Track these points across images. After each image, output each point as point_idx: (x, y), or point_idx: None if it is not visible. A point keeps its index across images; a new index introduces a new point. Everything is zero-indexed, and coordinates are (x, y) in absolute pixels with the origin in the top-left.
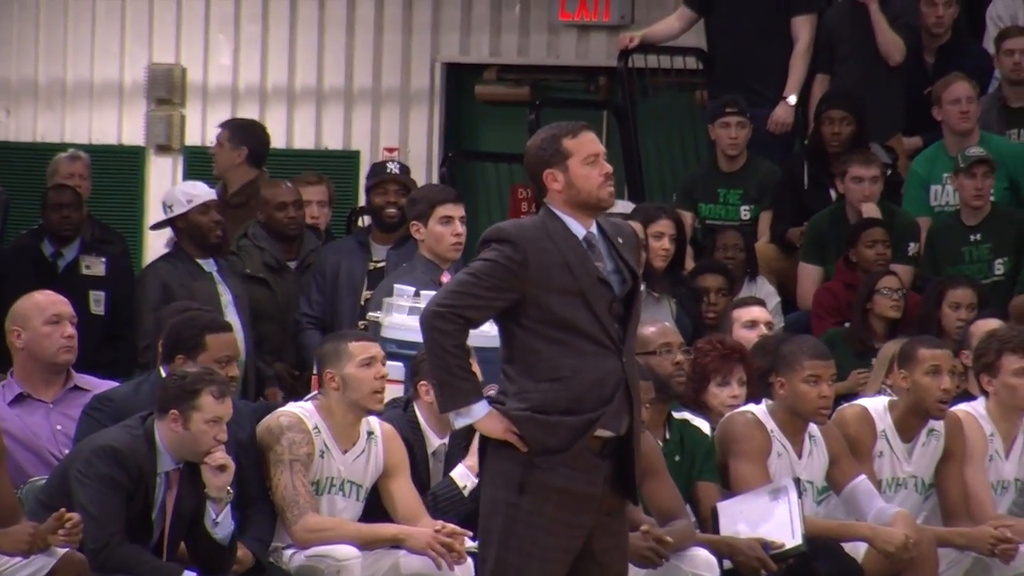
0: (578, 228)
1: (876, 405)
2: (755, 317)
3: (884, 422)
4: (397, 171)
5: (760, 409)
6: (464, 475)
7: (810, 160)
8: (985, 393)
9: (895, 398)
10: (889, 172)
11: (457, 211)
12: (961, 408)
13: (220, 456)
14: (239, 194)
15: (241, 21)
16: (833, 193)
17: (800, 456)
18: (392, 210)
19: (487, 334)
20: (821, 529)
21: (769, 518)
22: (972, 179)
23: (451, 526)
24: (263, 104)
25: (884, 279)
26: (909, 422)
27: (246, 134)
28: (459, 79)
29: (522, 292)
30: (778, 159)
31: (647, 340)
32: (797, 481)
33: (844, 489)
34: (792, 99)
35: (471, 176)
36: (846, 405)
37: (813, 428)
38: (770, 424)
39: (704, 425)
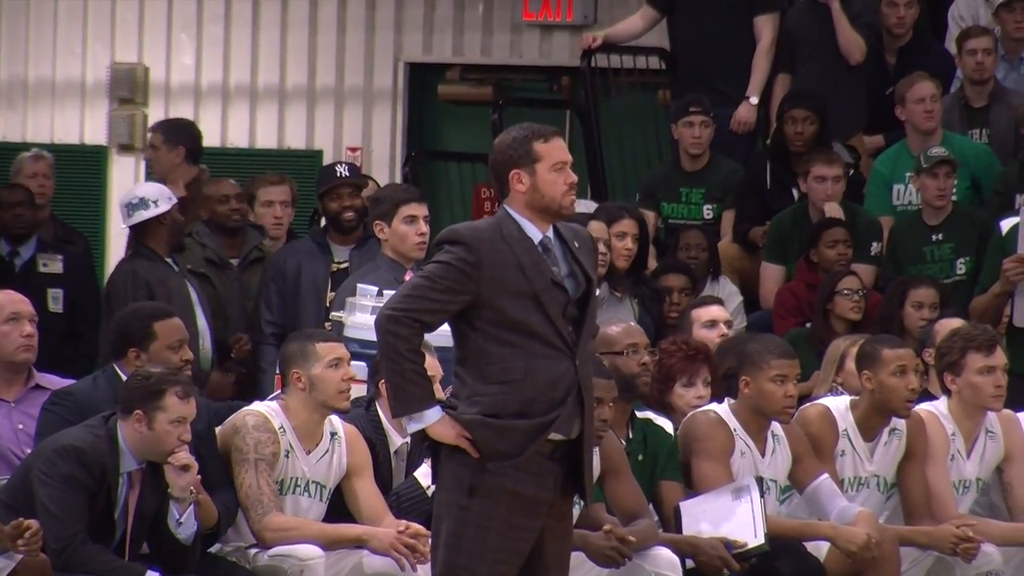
0: (534, 231)
1: (838, 404)
2: (714, 317)
3: (846, 421)
4: (347, 173)
5: (723, 408)
6: (427, 474)
7: (772, 160)
8: (947, 392)
9: (856, 397)
10: (851, 172)
11: (421, 210)
12: (923, 408)
13: (183, 456)
14: (186, 192)
15: (203, 20)
16: (796, 193)
17: (763, 455)
18: (349, 214)
19: (449, 334)
20: (783, 529)
21: (731, 517)
22: (935, 179)
23: (415, 526)
24: (225, 103)
25: (844, 280)
26: (871, 421)
27: (180, 133)
28: (422, 78)
29: (476, 294)
30: (741, 158)
31: (613, 340)
32: (759, 480)
33: (807, 488)
34: (754, 99)
35: (434, 176)
36: (808, 404)
37: (776, 427)
38: (733, 423)
39: (667, 425)
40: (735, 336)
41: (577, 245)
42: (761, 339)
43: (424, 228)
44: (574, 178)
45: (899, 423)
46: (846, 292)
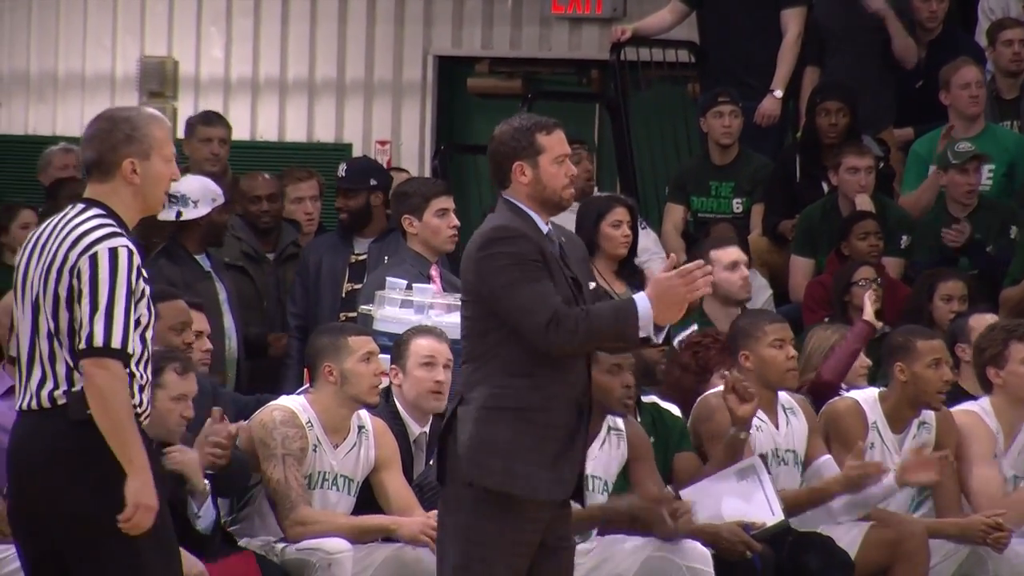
0: (542, 225)
1: (867, 397)
2: (735, 258)
3: (875, 413)
4: (342, 174)
5: None
6: None
7: (802, 153)
8: (989, 386)
9: (884, 389)
10: (881, 165)
11: (451, 203)
12: (965, 408)
13: (175, 458)
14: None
15: (233, 14)
16: (825, 186)
17: (778, 427)
18: (342, 215)
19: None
20: (796, 500)
21: (743, 499)
22: (964, 175)
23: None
24: (255, 97)
25: (860, 270)
26: (901, 413)
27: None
28: (451, 72)
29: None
30: (770, 152)
31: None
32: (763, 458)
33: (810, 466)
34: (779, 92)
35: (463, 169)
36: (837, 398)
37: (786, 399)
38: None
39: (674, 409)
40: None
41: (565, 239)
42: (749, 313)
43: (455, 220)
44: (574, 171)
45: (928, 416)
46: (863, 282)
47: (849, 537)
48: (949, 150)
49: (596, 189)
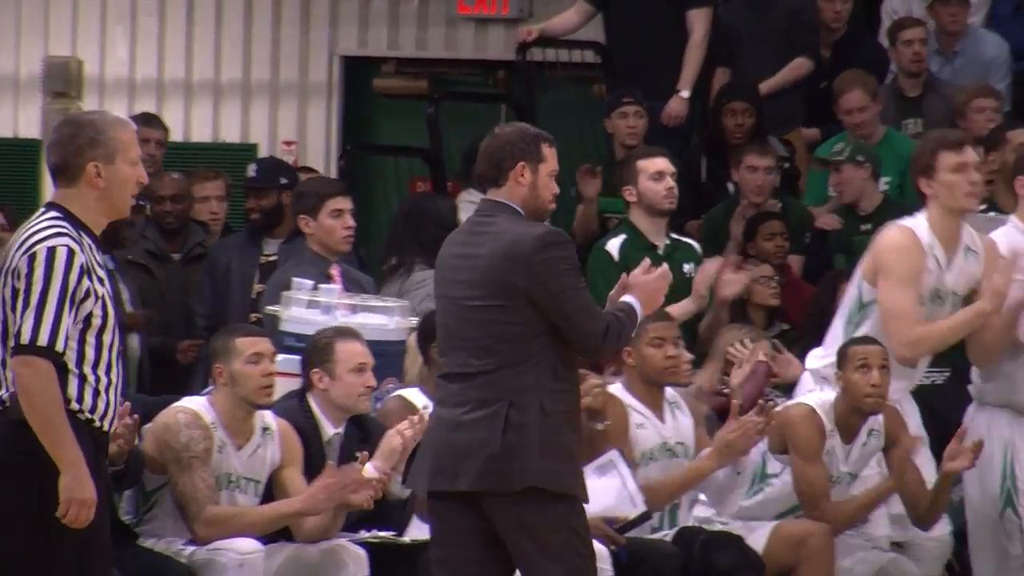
0: None
1: (823, 402)
2: (661, 168)
3: (830, 420)
4: (252, 174)
5: (616, 386)
6: (371, 472)
7: (708, 153)
8: (923, 197)
9: (836, 396)
10: (787, 165)
11: (347, 204)
12: (801, 401)
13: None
14: None
15: (138, 14)
16: (731, 187)
17: (664, 421)
18: (254, 215)
19: (384, 327)
20: (669, 489)
21: (605, 493)
22: (837, 173)
23: (343, 472)
24: (160, 97)
25: (758, 268)
26: (849, 421)
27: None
28: (357, 72)
29: None
30: (676, 152)
31: None
32: (620, 452)
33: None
34: (685, 92)
35: (369, 169)
36: (791, 404)
37: (671, 394)
38: (627, 398)
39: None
40: None
41: None
42: None
43: (351, 221)
44: (557, 189)
45: (878, 423)
46: (763, 280)
47: (755, 536)
48: (828, 151)
49: None
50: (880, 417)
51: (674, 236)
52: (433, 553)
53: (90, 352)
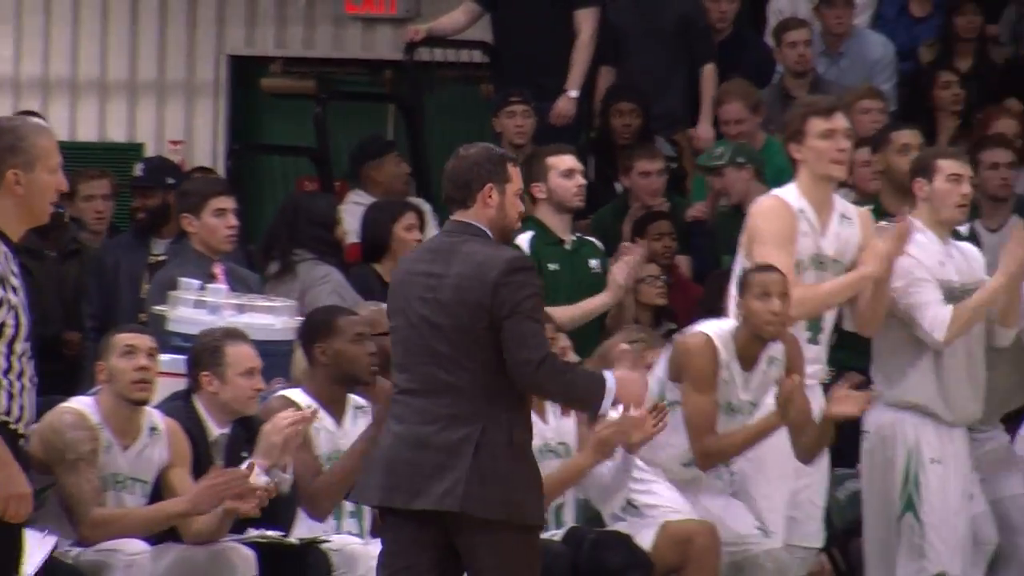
0: None
1: (721, 331)
2: (571, 166)
3: (728, 350)
4: (140, 173)
5: None
6: (254, 472)
7: (595, 153)
8: (794, 163)
9: (737, 324)
10: (674, 166)
11: (230, 203)
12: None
13: None
14: None
15: (23, 11)
16: (618, 186)
17: (547, 422)
18: (140, 215)
19: (271, 327)
20: (548, 489)
21: None
22: (719, 177)
23: (226, 474)
24: (46, 96)
25: (646, 267)
26: (749, 349)
27: None
28: (245, 72)
29: None
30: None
31: (378, 321)
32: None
33: None
34: (573, 92)
35: (257, 169)
36: (689, 332)
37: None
38: None
39: None
40: None
41: None
42: None
43: (233, 221)
44: (522, 207)
45: (777, 352)
46: (649, 279)
47: (643, 535)
48: (705, 155)
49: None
50: (780, 346)
51: (579, 234)
52: (386, 566)
53: (2, 361)
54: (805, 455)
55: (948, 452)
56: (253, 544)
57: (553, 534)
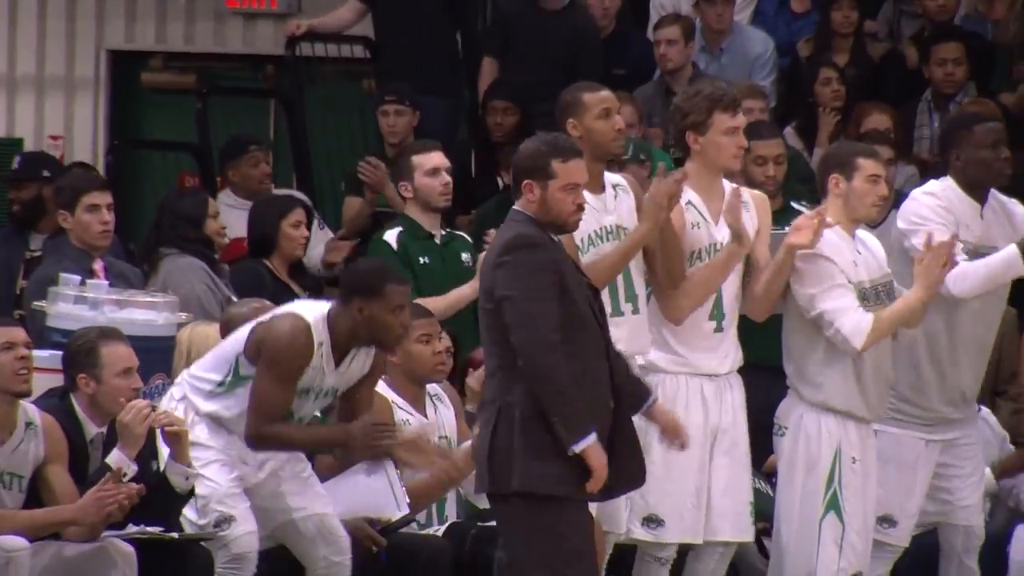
0: (553, 237)
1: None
2: (437, 164)
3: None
4: (16, 165)
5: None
6: (120, 459)
7: (477, 149)
8: (687, 151)
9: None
10: None
11: (104, 199)
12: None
13: None
14: None
15: None
16: (500, 181)
17: (426, 416)
18: (15, 207)
19: (152, 322)
20: (427, 485)
21: (372, 494)
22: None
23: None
24: None
25: None
26: (589, 170)
27: None
28: (125, 67)
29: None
30: (446, 148)
31: (247, 316)
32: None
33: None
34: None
35: (137, 164)
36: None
37: (432, 388)
38: (391, 395)
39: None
40: None
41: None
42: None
43: (107, 217)
44: (583, 199)
45: (620, 180)
46: None
47: None
48: None
49: (271, 187)
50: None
51: (448, 229)
52: None
53: None
54: (762, 304)
55: (867, 450)
56: (133, 540)
57: (435, 529)
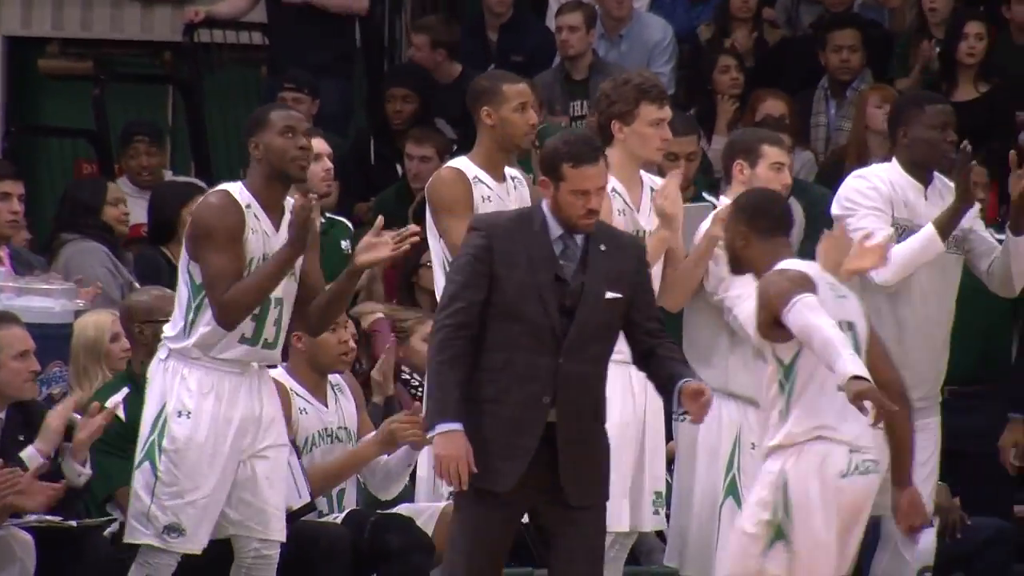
0: (556, 228)
1: (462, 163)
2: (318, 150)
3: (472, 171)
4: None
5: (278, 371)
6: (33, 456)
7: (376, 136)
8: (610, 139)
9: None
10: (456, 148)
11: (16, 188)
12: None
13: None
14: None
15: None
16: (399, 169)
17: (327, 406)
18: None
19: (49, 310)
20: (332, 474)
21: None
22: None
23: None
24: None
25: (426, 253)
26: (494, 159)
27: None
28: (21, 53)
29: (490, 278)
30: (341, 133)
31: (157, 309)
32: (293, 442)
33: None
34: None
35: (34, 151)
36: (443, 167)
37: (335, 379)
38: (291, 383)
39: None
40: None
41: (604, 248)
42: None
43: (17, 206)
44: (592, 205)
45: (517, 173)
46: (429, 264)
47: (424, 518)
48: None
49: (170, 174)
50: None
51: (329, 215)
52: None
53: None
54: (678, 293)
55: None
56: (31, 528)
57: (335, 517)
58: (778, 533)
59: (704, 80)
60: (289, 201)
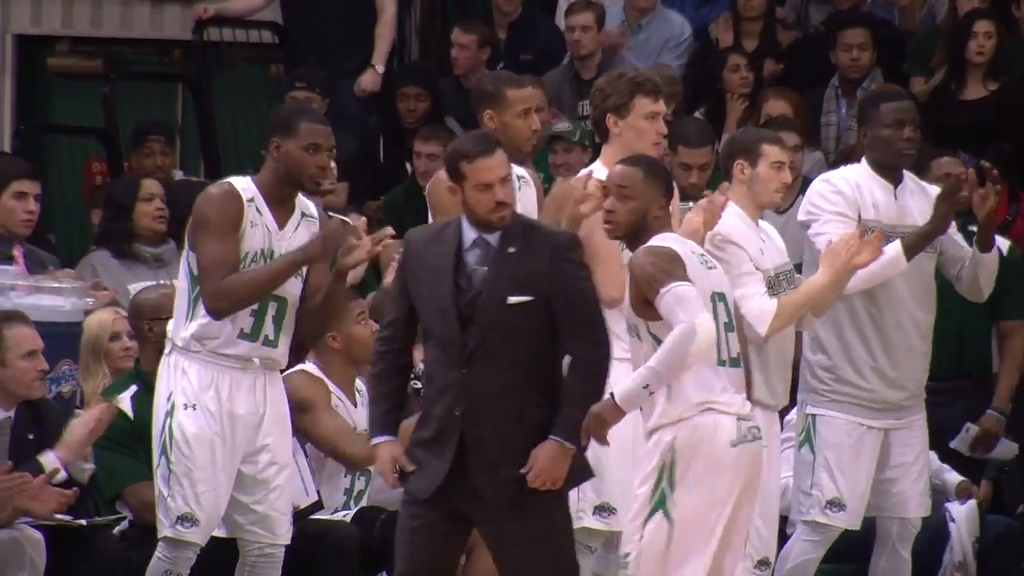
0: (469, 233)
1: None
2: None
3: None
4: None
5: (311, 366)
6: (52, 462)
7: (385, 135)
8: (606, 134)
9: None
10: None
11: (33, 188)
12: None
13: None
14: None
15: None
16: (409, 167)
17: (356, 405)
18: None
19: (60, 308)
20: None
21: None
22: (567, 153)
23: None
24: None
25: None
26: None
27: None
28: (31, 51)
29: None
30: (355, 132)
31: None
32: (298, 440)
33: None
34: (380, 67)
35: (44, 150)
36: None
37: (358, 384)
38: (325, 380)
39: None
40: None
41: (513, 250)
42: None
43: (33, 206)
44: (501, 197)
45: (525, 172)
46: None
47: None
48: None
49: (180, 173)
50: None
51: (332, 213)
52: None
53: None
54: None
55: (771, 437)
56: (42, 527)
57: (345, 514)
58: (660, 502)
59: (713, 79)
60: (303, 202)
